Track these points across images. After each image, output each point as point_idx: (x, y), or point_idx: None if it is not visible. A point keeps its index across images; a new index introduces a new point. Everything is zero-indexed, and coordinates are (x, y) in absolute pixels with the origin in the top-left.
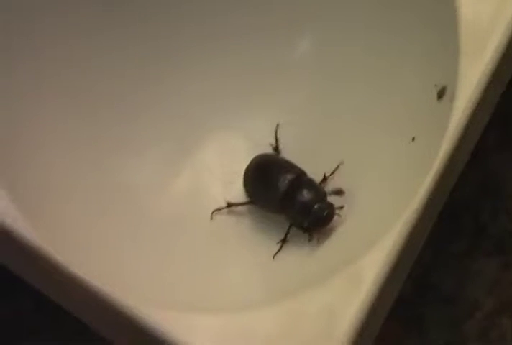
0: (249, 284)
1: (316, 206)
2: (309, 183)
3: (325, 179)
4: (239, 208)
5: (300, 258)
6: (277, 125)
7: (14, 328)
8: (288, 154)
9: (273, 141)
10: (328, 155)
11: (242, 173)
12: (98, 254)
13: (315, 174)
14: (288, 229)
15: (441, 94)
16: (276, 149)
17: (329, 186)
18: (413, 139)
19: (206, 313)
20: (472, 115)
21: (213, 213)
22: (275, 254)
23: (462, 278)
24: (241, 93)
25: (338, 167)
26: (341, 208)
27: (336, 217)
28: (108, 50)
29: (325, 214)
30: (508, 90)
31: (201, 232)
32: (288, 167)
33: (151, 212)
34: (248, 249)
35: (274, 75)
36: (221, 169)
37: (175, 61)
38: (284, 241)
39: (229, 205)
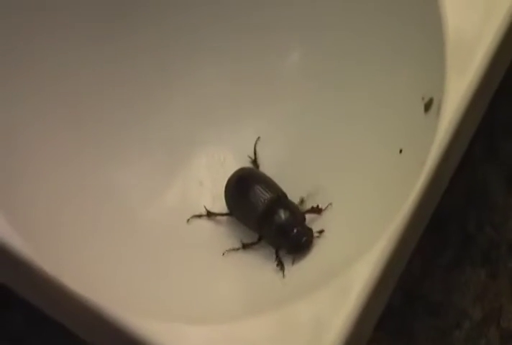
0: (237, 296)
1: (294, 231)
2: (288, 206)
3: (302, 201)
4: (225, 222)
5: (287, 271)
6: (258, 138)
7: (3, 340)
8: (274, 165)
9: (264, 155)
10: (316, 166)
11: None
12: (88, 265)
13: (301, 187)
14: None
15: (428, 106)
16: (254, 162)
17: (311, 203)
18: (401, 150)
19: (195, 323)
20: (458, 127)
21: (191, 218)
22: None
23: (449, 288)
24: (231, 105)
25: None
26: (322, 232)
27: (316, 238)
28: (99, 64)
29: (303, 241)
30: (494, 102)
31: (191, 244)
32: (270, 186)
33: (141, 224)
34: (236, 262)
35: (263, 88)
36: (210, 182)
37: (164, 75)
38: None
39: (209, 214)
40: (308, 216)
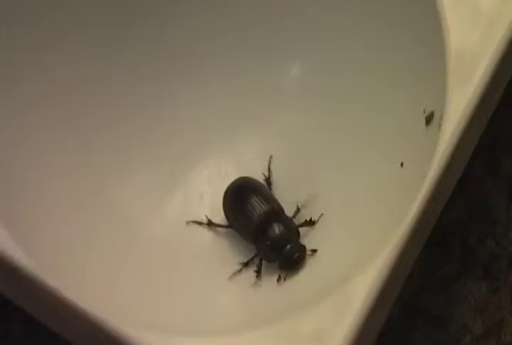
0: (238, 309)
1: (288, 247)
2: (283, 220)
3: (298, 210)
4: (225, 234)
5: (287, 283)
6: (270, 157)
7: None
8: (276, 177)
9: (264, 169)
10: (315, 179)
11: None
12: (89, 277)
13: (299, 199)
14: (254, 257)
15: (429, 120)
16: (268, 180)
17: (307, 215)
18: (402, 164)
19: (195, 336)
20: (459, 141)
21: (191, 221)
22: (231, 275)
23: (450, 302)
24: (232, 118)
25: (298, 207)
26: (315, 251)
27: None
28: (99, 79)
29: (295, 257)
30: (495, 116)
31: (191, 257)
32: (267, 198)
33: (141, 236)
34: (236, 274)
35: (265, 100)
36: (211, 195)
37: (166, 88)
38: (245, 265)
39: (210, 223)
40: (306, 229)
